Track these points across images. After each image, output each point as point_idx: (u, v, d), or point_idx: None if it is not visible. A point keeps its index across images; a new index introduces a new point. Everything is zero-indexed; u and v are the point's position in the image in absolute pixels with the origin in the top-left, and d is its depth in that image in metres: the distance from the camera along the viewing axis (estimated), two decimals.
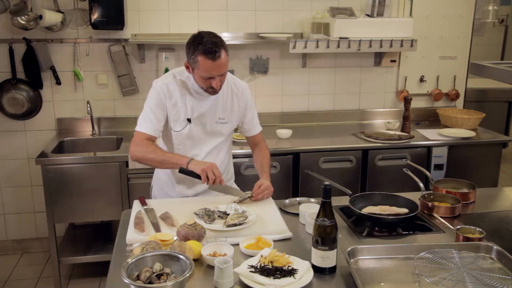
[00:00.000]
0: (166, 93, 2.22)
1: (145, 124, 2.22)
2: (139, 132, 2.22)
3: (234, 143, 3.34)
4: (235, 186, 2.53)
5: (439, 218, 2.07)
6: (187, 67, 2.18)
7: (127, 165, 3.11)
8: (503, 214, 2.19)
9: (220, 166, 2.28)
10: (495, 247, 1.71)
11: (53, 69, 3.53)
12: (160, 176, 2.45)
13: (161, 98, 2.22)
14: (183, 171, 2.14)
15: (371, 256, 1.72)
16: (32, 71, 3.49)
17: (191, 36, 2.13)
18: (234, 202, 2.14)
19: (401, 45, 3.60)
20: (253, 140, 2.50)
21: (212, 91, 2.17)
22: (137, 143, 2.19)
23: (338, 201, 2.22)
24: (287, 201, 2.28)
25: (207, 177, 2.10)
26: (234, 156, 3.19)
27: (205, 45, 2.04)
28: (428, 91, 4.09)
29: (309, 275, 1.57)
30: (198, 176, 2.12)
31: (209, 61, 2.05)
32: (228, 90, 2.32)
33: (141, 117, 2.25)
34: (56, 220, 3.17)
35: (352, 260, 1.67)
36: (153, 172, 3.14)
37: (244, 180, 3.20)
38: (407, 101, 3.67)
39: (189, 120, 2.26)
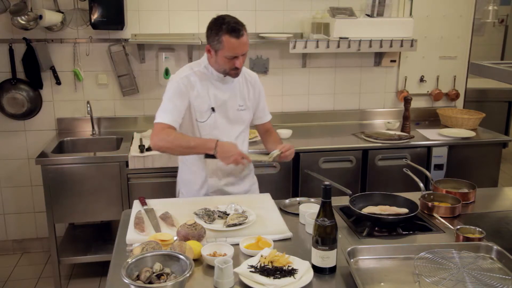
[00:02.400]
0: (187, 85, 2.25)
1: (165, 115, 2.21)
2: (159, 123, 2.20)
3: None
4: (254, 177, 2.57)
5: (439, 218, 2.07)
6: (208, 51, 2.22)
7: (127, 165, 3.11)
8: (503, 214, 2.19)
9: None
10: (495, 247, 1.71)
11: (53, 69, 3.53)
12: (187, 178, 2.44)
13: (182, 90, 2.24)
14: (209, 156, 2.16)
15: (371, 256, 1.72)
16: (32, 71, 3.49)
17: (211, 20, 2.20)
18: (268, 160, 2.24)
19: (401, 45, 3.60)
20: (264, 128, 2.56)
21: (235, 72, 2.22)
22: (158, 133, 2.17)
23: (338, 201, 2.22)
24: (287, 201, 2.28)
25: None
26: None
27: (229, 24, 2.12)
28: (428, 91, 4.09)
29: (309, 275, 1.57)
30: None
31: (234, 39, 2.12)
32: (243, 78, 2.39)
33: (160, 110, 2.25)
34: (56, 220, 3.16)
35: (352, 260, 1.67)
36: (153, 172, 3.15)
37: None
38: (407, 101, 3.67)
39: (213, 109, 2.29)
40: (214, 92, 2.29)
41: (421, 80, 4.04)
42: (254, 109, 2.46)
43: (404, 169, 2.40)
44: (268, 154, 2.29)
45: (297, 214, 2.09)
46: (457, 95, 4.10)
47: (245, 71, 2.42)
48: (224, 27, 2.12)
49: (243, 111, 2.38)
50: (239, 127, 2.39)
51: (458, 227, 1.86)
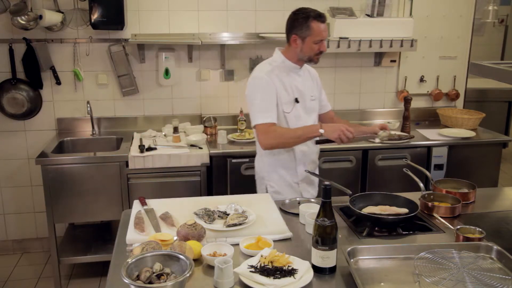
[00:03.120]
0: (274, 79, 2.39)
1: (264, 115, 2.34)
2: (262, 124, 2.34)
3: (234, 143, 3.34)
4: (316, 170, 2.69)
5: (439, 218, 2.07)
6: (294, 41, 2.38)
7: (127, 165, 3.11)
8: (503, 214, 2.19)
9: (316, 145, 2.52)
10: (495, 247, 1.71)
11: (53, 69, 3.53)
12: (277, 171, 2.52)
13: (270, 85, 2.37)
14: (320, 141, 2.33)
15: (371, 256, 1.72)
16: (32, 71, 3.49)
17: (292, 14, 2.39)
18: (376, 142, 2.45)
19: (401, 45, 3.61)
20: (328, 116, 2.71)
21: (318, 57, 2.43)
22: (266, 133, 2.33)
23: (338, 201, 2.22)
24: (287, 201, 2.28)
25: (342, 140, 2.27)
26: (234, 156, 3.20)
27: (314, 11, 2.35)
28: (428, 91, 4.09)
29: (309, 275, 1.57)
30: (330, 141, 2.31)
31: (321, 24, 2.34)
32: (306, 71, 2.56)
33: (256, 110, 2.37)
34: (56, 220, 3.16)
35: (352, 260, 1.67)
36: (153, 172, 3.15)
37: (244, 180, 3.20)
38: (407, 101, 3.67)
39: (296, 100, 2.45)
40: (294, 84, 2.45)
41: (421, 80, 4.04)
42: (319, 98, 2.61)
43: (404, 169, 2.40)
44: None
45: (297, 214, 2.09)
46: (457, 95, 4.10)
47: (305, 65, 2.56)
48: (311, 13, 2.34)
49: (314, 101, 2.56)
50: (313, 116, 2.55)
51: (458, 227, 1.86)
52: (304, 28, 2.34)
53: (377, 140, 2.45)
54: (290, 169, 2.52)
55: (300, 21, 2.35)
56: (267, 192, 2.52)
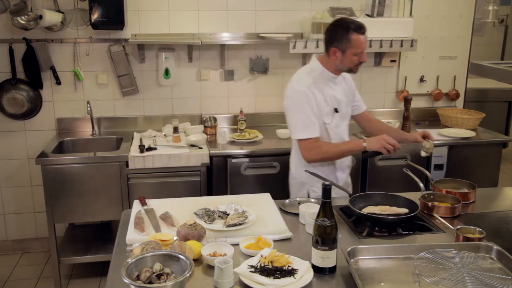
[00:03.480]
0: (314, 92, 2.38)
1: (308, 130, 2.37)
2: (306, 140, 2.37)
3: (234, 143, 3.34)
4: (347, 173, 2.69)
5: (439, 218, 2.07)
6: (334, 54, 2.35)
7: (127, 165, 3.11)
8: (503, 214, 2.19)
9: None
10: (495, 247, 1.71)
11: (53, 69, 3.53)
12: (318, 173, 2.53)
13: (311, 98, 2.36)
14: (367, 155, 2.37)
15: (371, 256, 1.72)
16: (32, 71, 3.49)
17: (332, 25, 2.37)
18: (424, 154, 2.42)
19: (401, 45, 3.60)
20: (364, 117, 2.70)
21: (357, 68, 2.41)
22: (310, 149, 2.37)
23: (338, 201, 2.22)
24: (287, 201, 2.28)
25: (388, 150, 2.29)
26: (234, 156, 3.20)
27: (353, 23, 2.32)
28: (428, 91, 4.09)
29: (309, 275, 1.57)
30: (378, 153, 2.33)
31: (361, 36, 2.31)
32: (340, 77, 2.52)
33: (298, 124, 2.38)
34: (56, 220, 3.16)
35: (352, 260, 1.67)
36: (153, 172, 3.15)
37: (244, 180, 3.20)
38: (407, 101, 3.67)
39: (336, 110, 2.46)
40: (332, 94, 2.44)
41: (421, 80, 4.04)
42: (352, 101, 2.61)
43: (404, 169, 2.40)
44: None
45: (297, 214, 2.09)
46: (457, 95, 4.10)
47: None
48: (352, 26, 2.30)
49: (347, 107, 2.56)
50: (347, 122, 2.58)
51: (458, 227, 1.86)
52: (344, 41, 2.31)
53: (423, 153, 2.42)
54: (330, 175, 2.51)
55: (340, 33, 2.32)
56: (308, 196, 2.50)
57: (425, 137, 2.47)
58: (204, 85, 3.77)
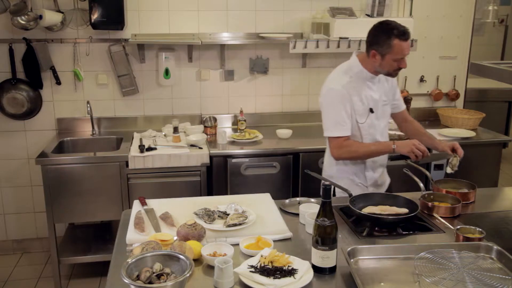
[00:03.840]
0: (349, 91, 2.37)
1: (339, 128, 2.38)
2: (336, 138, 2.39)
3: (234, 143, 3.34)
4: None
5: (439, 218, 2.07)
6: (373, 56, 2.32)
7: (127, 165, 3.11)
8: (503, 214, 2.19)
9: None
10: (495, 247, 1.71)
11: (53, 69, 3.53)
12: (346, 171, 2.54)
13: (346, 97, 2.36)
14: (394, 157, 2.38)
15: (371, 256, 1.72)
16: (32, 71, 3.49)
17: (376, 26, 2.32)
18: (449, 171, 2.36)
19: None
20: (402, 116, 2.67)
21: (397, 73, 2.38)
22: (340, 147, 2.38)
23: (338, 201, 2.22)
24: (287, 201, 2.28)
25: (416, 155, 2.26)
26: (234, 156, 3.20)
27: (398, 29, 2.24)
28: (428, 91, 4.08)
29: (309, 275, 1.57)
30: (405, 157, 2.31)
31: (404, 42, 2.24)
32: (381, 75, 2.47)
33: (331, 122, 2.40)
34: (56, 220, 3.16)
35: (352, 260, 1.67)
36: (153, 172, 3.15)
37: (244, 180, 3.20)
38: (407, 101, 3.67)
39: (371, 110, 2.42)
40: (369, 94, 2.42)
41: (421, 80, 4.04)
42: (391, 100, 2.57)
43: (404, 169, 2.40)
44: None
45: (297, 214, 2.09)
46: (457, 95, 4.10)
47: None
48: (395, 31, 2.24)
49: (386, 106, 2.51)
50: (384, 121, 2.52)
51: (458, 227, 1.86)
52: (385, 46, 2.26)
53: (448, 169, 2.37)
54: (360, 174, 2.53)
55: (381, 37, 2.27)
56: (334, 195, 2.50)
57: (454, 150, 2.40)
58: (204, 85, 3.77)
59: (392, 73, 2.38)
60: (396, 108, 2.63)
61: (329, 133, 2.41)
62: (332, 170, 2.56)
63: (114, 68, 3.59)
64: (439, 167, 3.43)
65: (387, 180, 2.68)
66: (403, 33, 2.24)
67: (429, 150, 2.35)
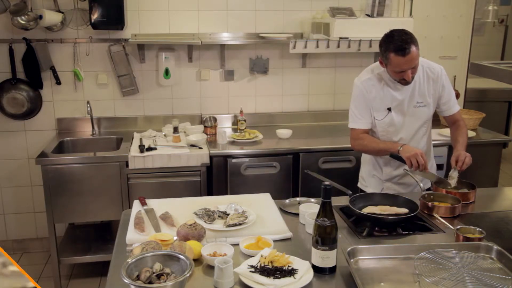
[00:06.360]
0: (367, 89, 2.46)
1: (357, 120, 2.52)
2: (354, 129, 2.54)
3: (234, 143, 3.34)
4: (434, 168, 2.73)
5: (439, 218, 2.07)
6: (381, 63, 2.40)
7: (127, 165, 3.11)
8: (503, 214, 2.19)
9: (421, 149, 2.43)
10: (495, 247, 1.71)
11: (53, 69, 3.53)
12: (367, 160, 2.70)
13: (364, 93, 2.47)
14: (393, 156, 2.41)
15: (371, 256, 1.72)
16: (32, 71, 3.49)
17: (384, 35, 2.33)
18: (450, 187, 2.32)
19: None
20: (451, 119, 2.63)
21: (405, 82, 2.36)
22: (356, 138, 2.54)
23: (338, 201, 2.22)
24: (287, 201, 2.28)
25: (412, 163, 2.28)
26: (234, 156, 3.20)
27: (395, 44, 2.24)
28: None
29: (309, 275, 1.57)
30: (404, 161, 2.33)
31: (400, 57, 2.24)
32: (424, 75, 2.47)
33: (352, 114, 2.54)
34: (56, 220, 3.16)
35: (352, 260, 1.67)
36: (153, 172, 3.16)
37: (244, 180, 3.20)
38: None
39: (389, 109, 2.46)
40: (392, 93, 2.45)
41: None
42: (436, 102, 2.54)
43: (404, 169, 2.40)
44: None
45: (297, 214, 2.09)
46: (457, 95, 4.09)
47: (428, 66, 2.49)
48: (391, 46, 2.25)
49: (422, 108, 2.49)
50: (416, 123, 2.51)
51: (458, 227, 1.86)
52: (384, 57, 2.32)
53: (453, 183, 2.35)
54: (377, 166, 2.62)
55: (382, 47, 2.32)
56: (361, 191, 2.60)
57: (457, 161, 2.38)
58: (204, 85, 3.77)
59: (401, 82, 2.37)
60: (445, 112, 2.58)
61: (349, 124, 2.56)
62: (363, 154, 2.73)
63: (114, 68, 3.59)
64: (439, 167, 3.42)
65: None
66: (399, 49, 2.22)
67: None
